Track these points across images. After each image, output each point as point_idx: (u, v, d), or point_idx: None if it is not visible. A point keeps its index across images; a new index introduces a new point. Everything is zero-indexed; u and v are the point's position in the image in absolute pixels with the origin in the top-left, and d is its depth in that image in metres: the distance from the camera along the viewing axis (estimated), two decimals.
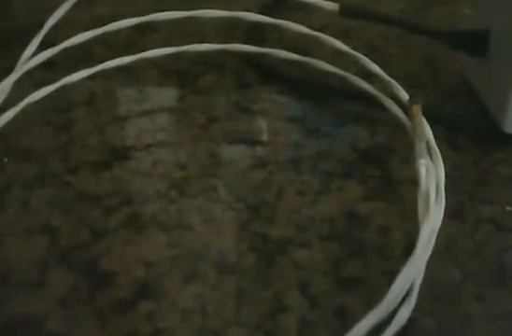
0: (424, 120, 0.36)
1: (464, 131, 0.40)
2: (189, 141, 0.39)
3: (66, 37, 0.41)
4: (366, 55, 0.40)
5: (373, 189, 0.36)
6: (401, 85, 0.39)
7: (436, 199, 0.33)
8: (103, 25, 0.42)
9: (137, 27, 0.43)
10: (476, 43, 0.39)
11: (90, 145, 0.39)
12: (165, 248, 0.34)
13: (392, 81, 0.38)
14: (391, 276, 0.30)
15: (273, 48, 0.43)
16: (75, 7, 0.42)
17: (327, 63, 0.41)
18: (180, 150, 0.39)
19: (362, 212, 0.35)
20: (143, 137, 0.39)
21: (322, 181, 0.37)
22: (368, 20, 0.43)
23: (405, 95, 0.38)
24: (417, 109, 0.35)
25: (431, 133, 0.36)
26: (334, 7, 0.40)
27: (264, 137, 0.40)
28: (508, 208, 0.36)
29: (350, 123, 0.40)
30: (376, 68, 0.39)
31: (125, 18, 0.43)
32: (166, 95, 0.42)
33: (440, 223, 0.32)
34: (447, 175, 0.35)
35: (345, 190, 0.36)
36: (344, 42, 0.42)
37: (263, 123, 0.40)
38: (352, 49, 0.41)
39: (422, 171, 0.33)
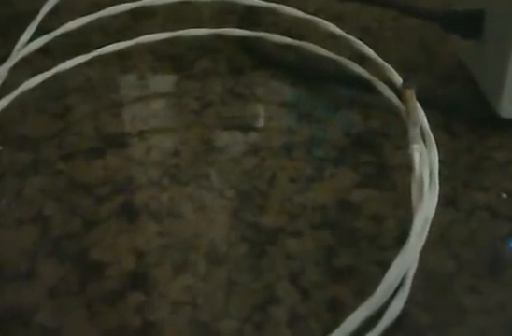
0: (418, 105, 0.33)
1: (459, 115, 0.38)
2: (182, 127, 0.37)
3: (63, 23, 0.39)
4: (360, 39, 0.38)
5: (366, 176, 0.34)
6: (395, 69, 0.37)
7: (430, 185, 0.30)
8: (99, 11, 0.39)
9: (133, 12, 0.40)
10: (470, 24, 0.37)
11: (84, 132, 0.37)
12: (156, 238, 0.32)
13: (386, 65, 0.36)
14: (384, 266, 0.28)
15: (267, 31, 0.40)
16: None
17: (321, 47, 0.38)
18: (174, 137, 0.36)
19: (355, 199, 0.33)
20: (137, 124, 0.37)
21: (315, 168, 0.35)
22: (362, 2, 0.40)
23: (398, 79, 0.35)
24: (410, 94, 0.32)
25: (425, 117, 0.34)
26: None
27: (258, 123, 0.37)
28: (504, 195, 0.33)
29: (344, 108, 0.38)
30: (369, 52, 0.36)
31: (122, 3, 0.40)
32: (161, 81, 0.40)
33: (434, 210, 0.30)
34: (441, 161, 0.33)
35: (337, 177, 0.34)
36: (338, 25, 0.40)
37: (256, 109, 0.38)
38: (346, 32, 0.38)
39: (416, 156, 0.31)
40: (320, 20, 0.37)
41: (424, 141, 0.32)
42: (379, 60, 0.36)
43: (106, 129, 0.37)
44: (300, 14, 0.38)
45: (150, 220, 0.32)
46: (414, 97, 0.32)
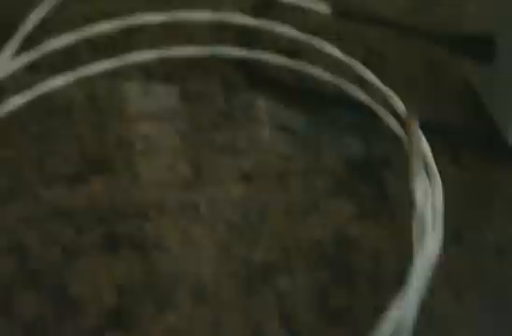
0: (422, 137, 0.31)
1: (468, 145, 0.35)
2: (171, 152, 0.35)
3: (49, 38, 0.38)
4: (363, 59, 0.36)
5: (365, 209, 0.32)
6: (399, 93, 0.35)
7: (433, 226, 0.28)
8: (89, 24, 0.38)
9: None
10: (480, 48, 0.34)
11: (67, 156, 0.35)
12: (140, 272, 0.30)
13: (389, 91, 0.33)
14: (382, 309, 0.26)
15: (264, 50, 0.38)
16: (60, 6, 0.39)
17: (320, 69, 0.36)
18: (162, 162, 0.34)
19: (353, 234, 0.31)
20: (124, 148, 0.35)
21: (311, 198, 0.32)
22: (363, 21, 0.38)
23: (402, 108, 0.33)
24: (414, 125, 0.30)
25: (429, 150, 0.31)
26: (325, 9, 0.35)
27: (251, 148, 0.35)
28: None
29: (344, 134, 0.36)
30: (371, 77, 0.34)
31: (112, 16, 0.39)
32: (150, 102, 0.38)
33: (437, 253, 0.28)
34: (446, 196, 0.30)
35: (335, 209, 0.32)
36: (340, 44, 0.38)
37: (250, 133, 0.36)
38: (349, 52, 0.37)
39: (418, 192, 0.29)
40: (318, 40, 0.35)
41: (428, 176, 0.31)
42: (382, 85, 0.34)
43: (91, 153, 0.35)
44: (295, 34, 0.36)
45: (134, 253, 0.30)
46: (418, 128, 0.30)
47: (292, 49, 0.39)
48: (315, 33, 0.39)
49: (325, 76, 0.36)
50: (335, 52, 0.35)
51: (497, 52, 0.34)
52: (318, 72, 0.36)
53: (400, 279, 0.29)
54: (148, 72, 0.39)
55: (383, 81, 0.36)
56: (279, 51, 0.39)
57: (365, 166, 0.34)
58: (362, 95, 0.35)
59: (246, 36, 0.41)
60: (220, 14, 0.37)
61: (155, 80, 0.39)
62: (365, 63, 0.38)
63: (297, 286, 0.29)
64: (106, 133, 0.36)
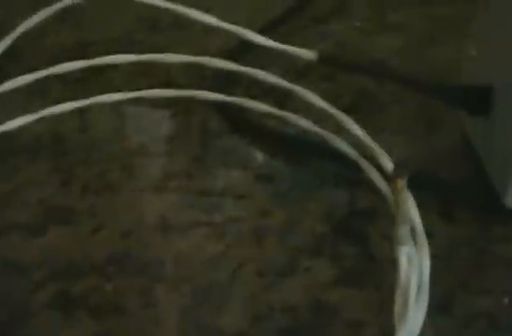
0: (410, 197, 0.28)
1: (461, 201, 0.32)
2: (138, 202, 0.32)
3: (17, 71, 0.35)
4: (353, 102, 0.33)
5: (346, 272, 0.29)
6: (390, 139, 0.32)
7: (417, 298, 0.25)
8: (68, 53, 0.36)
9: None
10: (476, 101, 0.32)
11: (25, 203, 0.32)
12: None
13: (376, 147, 0.31)
14: None
15: (246, 94, 0.35)
16: (40, 33, 0.36)
17: (302, 118, 0.33)
18: (128, 214, 0.32)
19: (332, 300, 0.28)
20: (88, 196, 0.32)
21: (288, 259, 0.30)
22: (352, 71, 0.35)
23: (388, 163, 0.30)
24: (401, 184, 0.27)
25: (417, 213, 0.29)
26: (311, 55, 0.33)
27: (226, 201, 0.32)
28: (506, 300, 0.28)
29: (327, 186, 0.33)
30: (357, 131, 0.31)
31: (92, 45, 0.36)
32: (120, 145, 0.35)
33: (421, 326, 0.25)
34: (436, 256, 0.28)
35: (313, 272, 0.29)
36: (329, 86, 0.35)
37: (226, 183, 0.33)
38: (338, 94, 0.34)
39: (403, 261, 0.26)
40: (300, 89, 0.33)
41: (415, 242, 0.28)
42: (368, 140, 0.31)
43: (51, 200, 0.32)
44: (275, 80, 0.34)
45: (88, 316, 0.28)
46: (405, 188, 0.27)
47: (277, 94, 0.37)
48: (303, 74, 0.37)
49: (307, 125, 0.33)
50: (318, 101, 0.32)
51: (493, 106, 0.32)
52: (299, 121, 0.33)
53: None
54: (119, 112, 0.36)
55: (373, 127, 0.33)
56: (264, 95, 0.36)
57: (349, 222, 0.31)
58: (345, 147, 0.32)
59: (226, 79, 0.38)
60: (200, 58, 0.35)
61: (127, 122, 0.36)
62: (355, 107, 0.35)
63: None
64: (71, 178, 0.33)
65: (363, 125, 0.33)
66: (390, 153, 0.32)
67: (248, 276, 0.29)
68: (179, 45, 0.40)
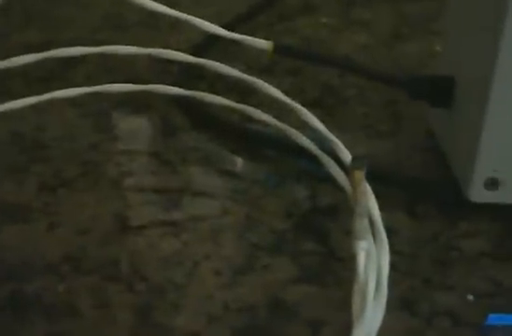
0: (369, 189, 0.28)
1: (425, 197, 0.31)
2: (95, 200, 0.31)
3: None
4: (319, 96, 0.32)
5: (307, 269, 0.28)
6: (354, 135, 0.31)
7: (376, 294, 0.24)
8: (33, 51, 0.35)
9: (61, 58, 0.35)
10: (438, 92, 0.31)
11: None
12: None
13: (335, 140, 0.30)
14: None
15: (209, 88, 0.35)
16: (4, 32, 0.35)
17: (263, 112, 0.32)
18: (84, 211, 0.31)
19: (291, 299, 0.27)
20: (43, 194, 0.31)
21: (246, 257, 0.29)
22: (320, 63, 0.34)
23: (348, 157, 0.29)
24: (359, 176, 0.26)
25: (376, 206, 0.28)
26: (266, 45, 0.32)
27: (184, 198, 0.31)
28: (470, 297, 0.27)
29: (288, 182, 0.32)
30: (318, 125, 0.30)
31: (56, 44, 0.35)
32: (78, 142, 0.34)
33: (379, 325, 0.24)
34: (399, 252, 0.27)
35: (272, 270, 0.28)
36: (295, 81, 0.34)
37: (184, 180, 0.32)
38: (302, 89, 0.33)
39: (361, 257, 0.25)
40: (261, 82, 0.32)
41: (374, 236, 0.27)
42: (328, 133, 0.30)
43: (6, 198, 0.31)
44: (237, 74, 0.33)
45: (41, 317, 0.26)
46: (363, 180, 0.26)
47: (240, 90, 0.36)
48: (267, 69, 0.36)
49: (269, 119, 0.32)
50: (280, 96, 0.31)
51: (455, 97, 0.31)
52: (260, 115, 0.32)
53: None
54: (79, 108, 0.35)
55: (337, 122, 0.32)
56: (227, 91, 0.35)
57: (310, 218, 0.30)
58: (306, 142, 0.31)
59: (190, 74, 0.37)
60: (161, 51, 0.34)
61: (87, 118, 0.35)
62: (319, 102, 0.34)
63: None
64: (27, 176, 0.32)
65: (327, 120, 0.32)
66: (353, 148, 0.31)
67: (204, 275, 0.28)
68: (144, 42, 0.39)
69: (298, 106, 0.31)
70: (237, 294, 0.27)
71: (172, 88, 0.34)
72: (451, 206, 0.31)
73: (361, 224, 0.26)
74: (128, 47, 0.33)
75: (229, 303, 0.27)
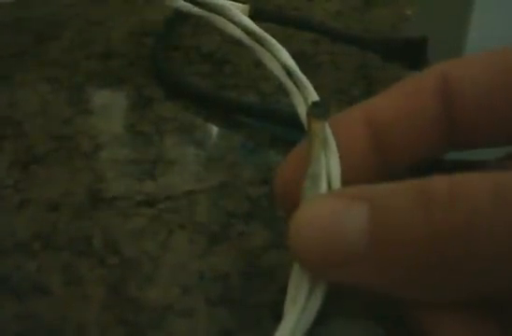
0: (332, 144, 0.20)
1: None
2: (68, 173, 0.28)
3: None
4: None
5: (281, 235, 0.25)
6: (328, 99, 0.28)
7: None
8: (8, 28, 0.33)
9: (38, 33, 0.31)
10: (410, 53, 0.28)
11: None
12: (14, 320, 0.22)
13: (305, 80, 0.24)
14: None
15: (185, 57, 0.31)
16: None
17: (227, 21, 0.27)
18: (56, 186, 0.27)
19: (266, 265, 0.24)
20: (14, 170, 0.28)
21: (221, 224, 0.25)
22: (292, 26, 0.31)
23: (315, 97, 0.22)
24: (318, 126, 0.19)
25: (338, 167, 0.20)
26: (242, 9, 0.28)
27: (159, 168, 0.28)
28: None
29: (264, 148, 0.29)
30: (288, 60, 0.25)
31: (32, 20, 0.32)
32: (51, 116, 0.31)
33: None
34: None
35: (247, 237, 0.25)
36: None
37: (158, 150, 0.29)
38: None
39: None
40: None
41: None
42: (298, 72, 0.25)
43: None
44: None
45: (10, 296, 0.23)
46: (324, 133, 0.19)
47: (215, 60, 0.32)
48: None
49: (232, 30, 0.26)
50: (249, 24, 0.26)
51: (428, 58, 0.27)
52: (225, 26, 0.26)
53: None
54: (53, 82, 0.32)
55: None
56: (203, 61, 0.32)
57: None
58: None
59: (163, 45, 0.34)
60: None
61: (60, 93, 0.31)
62: None
63: (197, 330, 0.22)
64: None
65: None
66: None
67: (178, 244, 0.25)
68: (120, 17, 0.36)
69: (268, 37, 0.26)
70: (212, 263, 0.24)
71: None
72: None
73: (312, 189, 0.19)
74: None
75: (203, 273, 0.24)
